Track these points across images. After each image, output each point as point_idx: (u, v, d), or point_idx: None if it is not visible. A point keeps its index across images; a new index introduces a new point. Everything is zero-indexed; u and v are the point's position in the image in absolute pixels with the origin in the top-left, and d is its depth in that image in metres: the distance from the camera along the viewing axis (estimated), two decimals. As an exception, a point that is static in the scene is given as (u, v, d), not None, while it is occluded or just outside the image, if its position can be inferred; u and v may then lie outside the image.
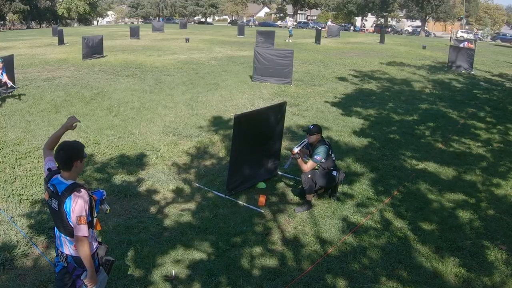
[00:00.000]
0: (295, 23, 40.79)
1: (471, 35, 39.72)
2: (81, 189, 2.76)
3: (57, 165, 2.88)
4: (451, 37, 37.17)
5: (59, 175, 2.84)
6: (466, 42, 25.48)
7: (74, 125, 3.09)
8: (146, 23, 65.69)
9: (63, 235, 2.86)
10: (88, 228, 2.79)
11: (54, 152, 2.83)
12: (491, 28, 69.29)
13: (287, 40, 30.70)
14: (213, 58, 19.79)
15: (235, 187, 5.71)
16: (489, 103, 12.22)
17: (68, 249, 2.88)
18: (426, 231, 4.95)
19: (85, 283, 2.87)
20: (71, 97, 11.04)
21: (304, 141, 5.42)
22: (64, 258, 2.92)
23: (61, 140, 3.02)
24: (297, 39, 33.37)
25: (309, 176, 5.24)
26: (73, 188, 2.74)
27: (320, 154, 5.25)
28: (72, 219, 2.72)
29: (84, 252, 2.76)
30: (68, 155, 2.77)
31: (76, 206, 2.70)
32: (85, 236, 2.73)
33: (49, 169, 2.92)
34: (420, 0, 59.94)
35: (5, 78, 10.48)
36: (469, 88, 14.48)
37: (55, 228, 2.92)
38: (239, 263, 4.26)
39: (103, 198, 3.05)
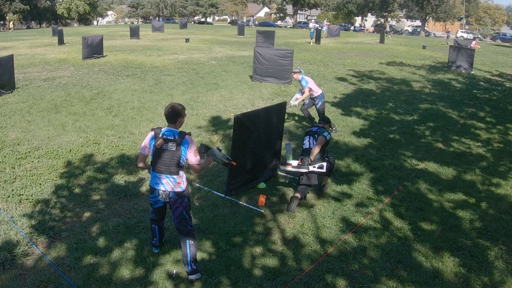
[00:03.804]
0: (316, 25, 37.71)
1: (448, 33, 40.10)
2: (188, 134, 3.81)
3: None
4: (386, 32, 37.75)
5: (166, 128, 3.83)
6: (474, 43, 24.28)
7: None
8: (146, 23, 65.67)
9: (167, 175, 3.80)
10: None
11: (164, 111, 3.82)
12: (491, 28, 69.30)
13: (311, 44, 28.37)
14: (213, 58, 19.79)
15: (235, 188, 5.71)
16: (489, 103, 12.22)
17: (170, 186, 3.83)
18: (426, 231, 4.95)
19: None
20: (71, 97, 11.04)
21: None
22: (167, 195, 3.85)
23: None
24: (297, 39, 33.38)
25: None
26: (184, 133, 3.79)
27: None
28: (188, 153, 3.77)
29: (200, 168, 3.87)
30: (175, 112, 3.78)
31: (191, 144, 3.78)
32: (198, 164, 3.83)
33: (152, 136, 3.86)
34: (420, 0, 59.94)
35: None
36: (469, 88, 14.49)
37: (156, 173, 3.84)
38: (239, 263, 4.26)
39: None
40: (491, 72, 18.77)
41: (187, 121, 9.13)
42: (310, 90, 8.59)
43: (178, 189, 3.84)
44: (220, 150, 4.09)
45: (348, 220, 5.17)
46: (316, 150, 5.43)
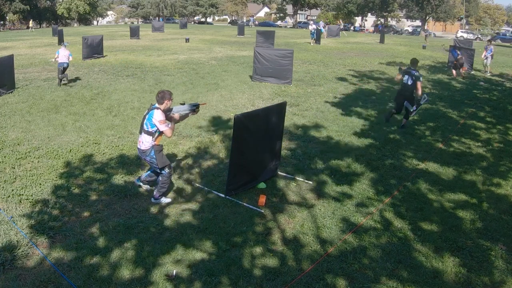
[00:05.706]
0: (315, 25, 37.68)
1: (428, 33, 40.27)
2: (159, 110, 5.01)
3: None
4: (336, 28, 38.53)
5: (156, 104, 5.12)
6: (490, 50, 18.14)
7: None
8: (146, 23, 65.68)
9: (140, 133, 5.12)
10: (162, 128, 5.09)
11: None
12: (491, 28, 69.25)
13: (311, 44, 28.48)
14: (213, 58, 19.79)
15: (235, 188, 5.70)
16: (489, 103, 12.22)
17: (139, 141, 5.17)
18: (426, 231, 4.95)
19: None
20: (71, 97, 11.04)
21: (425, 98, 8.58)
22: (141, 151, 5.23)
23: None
24: (297, 39, 33.38)
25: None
26: (155, 107, 5.03)
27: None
28: (154, 122, 4.98)
29: (170, 130, 5.06)
30: (160, 96, 5.05)
31: (156, 114, 4.97)
32: (167, 129, 5.01)
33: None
34: (420, 0, 59.92)
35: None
36: (469, 88, 14.49)
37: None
38: (240, 263, 4.26)
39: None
40: (491, 72, 18.76)
41: (188, 121, 9.13)
42: (58, 57, 12.43)
43: (140, 146, 5.14)
44: (183, 104, 5.28)
45: (348, 220, 5.16)
46: (420, 92, 8.49)
